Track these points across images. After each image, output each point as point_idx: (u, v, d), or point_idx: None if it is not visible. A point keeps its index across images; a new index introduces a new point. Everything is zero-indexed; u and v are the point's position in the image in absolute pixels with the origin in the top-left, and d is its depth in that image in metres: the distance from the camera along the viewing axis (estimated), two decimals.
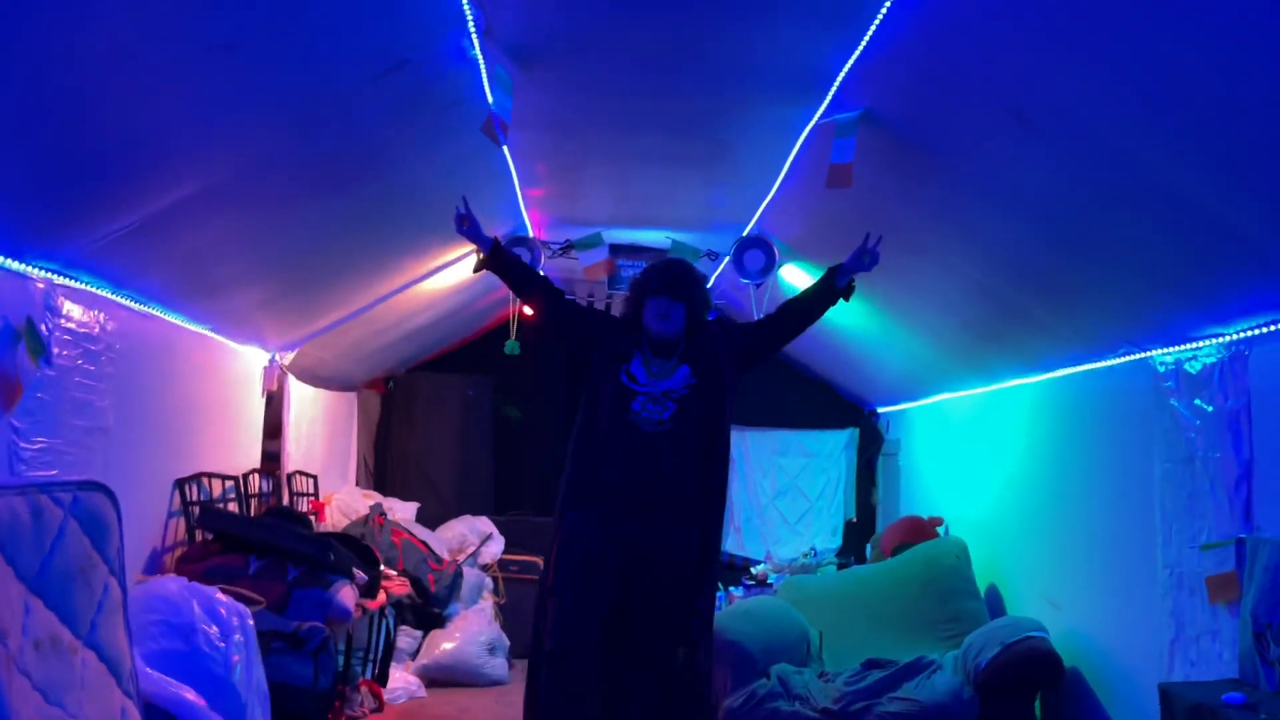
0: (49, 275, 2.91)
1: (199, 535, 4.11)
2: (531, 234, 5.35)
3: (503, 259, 3.74)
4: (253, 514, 4.66)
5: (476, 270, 3.81)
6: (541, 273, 4.14)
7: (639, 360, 3.54)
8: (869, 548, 6.19)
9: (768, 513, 7.21)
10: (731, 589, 6.13)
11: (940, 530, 5.41)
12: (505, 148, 3.77)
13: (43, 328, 2.88)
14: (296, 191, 3.45)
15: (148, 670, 2.87)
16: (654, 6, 2.78)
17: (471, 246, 3.93)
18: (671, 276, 3.62)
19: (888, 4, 2.52)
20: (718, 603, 5.37)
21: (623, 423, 3.46)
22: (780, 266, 5.24)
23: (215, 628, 3.15)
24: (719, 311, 7.01)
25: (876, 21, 2.62)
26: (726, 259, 5.40)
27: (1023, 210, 3.26)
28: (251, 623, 3.33)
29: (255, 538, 3.98)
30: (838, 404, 7.29)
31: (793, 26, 2.82)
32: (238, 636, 3.21)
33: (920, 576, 4.76)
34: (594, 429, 3.53)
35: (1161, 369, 3.33)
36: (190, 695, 2.92)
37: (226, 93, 2.59)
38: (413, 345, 6.95)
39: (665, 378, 3.52)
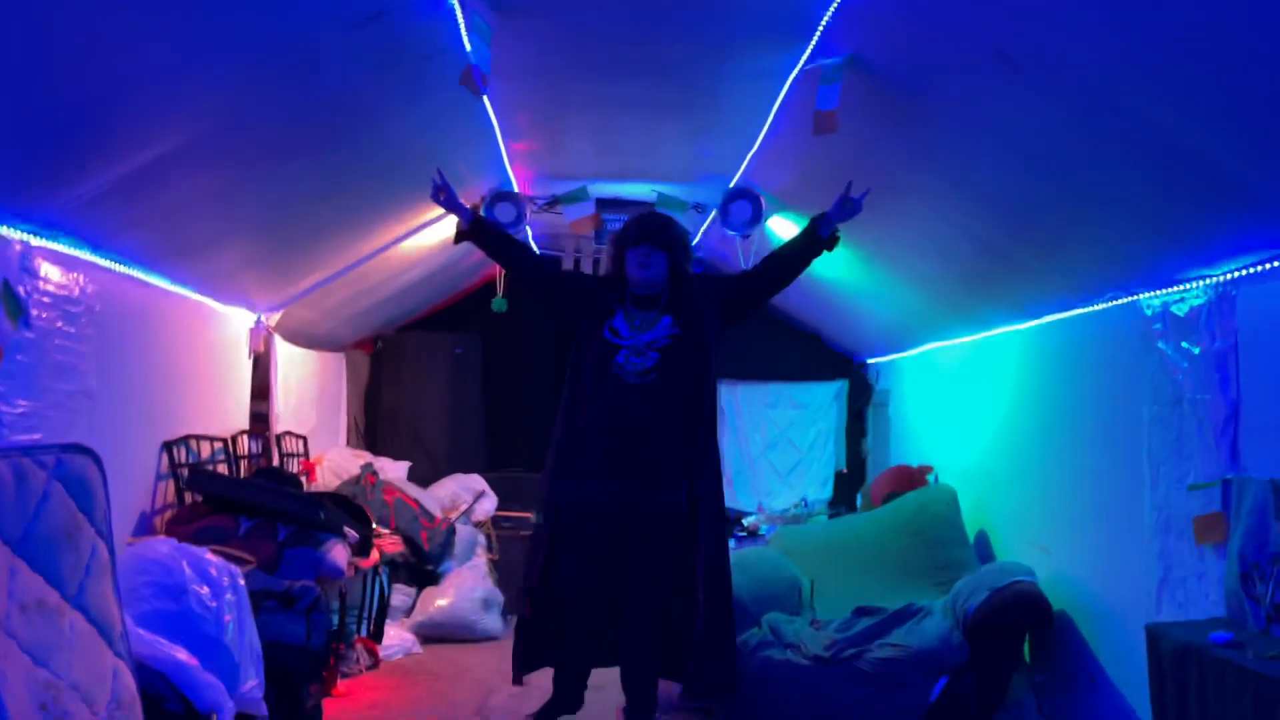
0: (25, 236, 2.87)
1: (188, 497, 4.11)
2: (516, 189, 5.29)
3: (484, 230, 3.72)
4: (242, 475, 4.65)
5: (457, 241, 3.80)
6: (521, 240, 4.12)
7: (621, 315, 3.55)
8: (859, 497, 6.23)
9: (759, 465, 7.24)
10: None
11: (930, 478, 5.44)
12: (486, 99, 3.71)
13: (20, 289, 2.84)
14: (275, 147, 3.39)
15: (139, 631, 2.87)
16: None
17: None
18: (649, 227, 3.63)
19: None
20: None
21: (607, 377, 3.48)
22: (768, 218, 5.20)
23: (206, 588, 3.15)
24: (705, 266, 6.99)
25: None
26: (714, 212, 5.35)
27: (1011, 154, 3.24)
28: (243, 582, 3.33)
29: (245, 498, 3.98)
30: (827, 356, 7.29)
31: None
32: (229, 596, 3.21)
33: (910, 524, 4.79)
34: (580, 386, 3.55)
35: (1149, 312, 3.32)
36: (183, 655, 2.92)
37: (199, 45, 2.54)
38: (400, 304, 6.91)
39: (648, 329, 3.52)
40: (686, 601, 3.64)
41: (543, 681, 3.76)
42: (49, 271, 3.01)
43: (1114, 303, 3.58)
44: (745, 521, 6.45)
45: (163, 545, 3.29)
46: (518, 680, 3.69)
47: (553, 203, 5.49)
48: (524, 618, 3.69)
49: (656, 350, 3.48)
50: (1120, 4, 2.24)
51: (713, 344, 3.59)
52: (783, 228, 5.33)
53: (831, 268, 5.47)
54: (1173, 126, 2.53)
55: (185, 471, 4.11)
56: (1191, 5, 2.09)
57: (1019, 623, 3.88)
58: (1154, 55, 2.35)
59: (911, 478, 5.43)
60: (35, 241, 2.92)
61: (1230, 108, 2.35)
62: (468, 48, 2.98)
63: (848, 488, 6.96)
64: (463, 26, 2.92)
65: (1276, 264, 2.71)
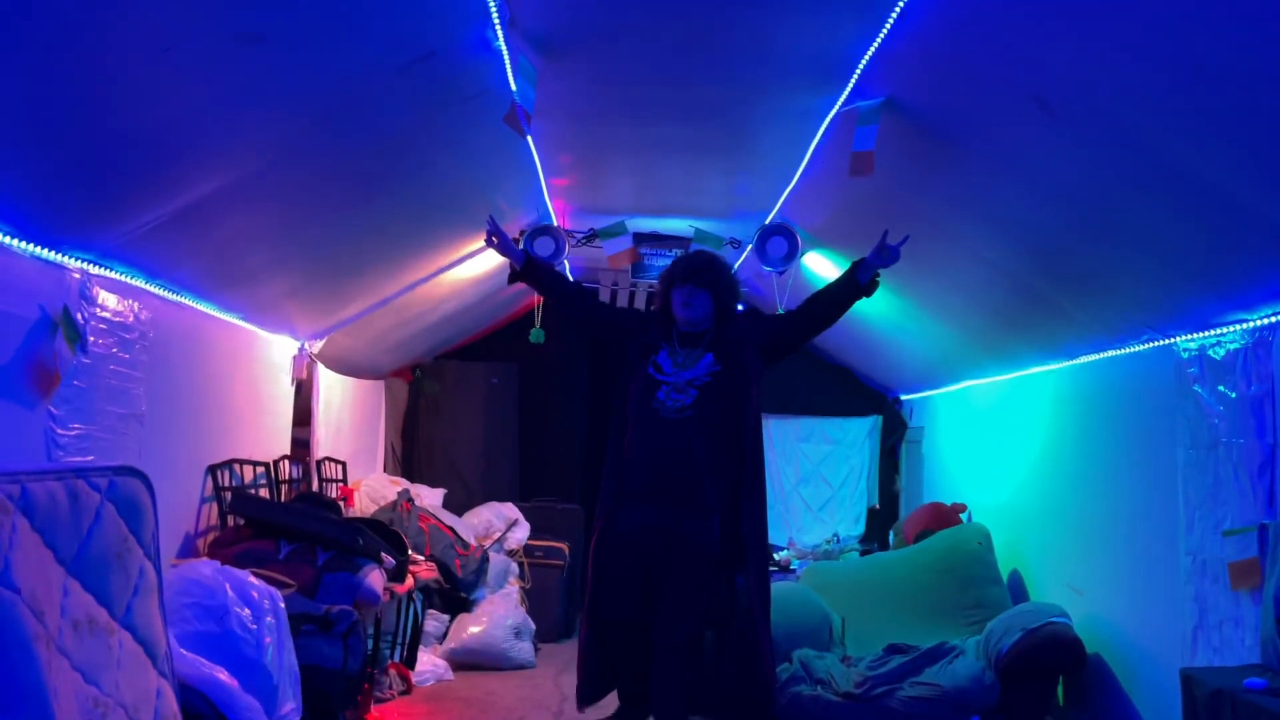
0: (84, 265, 2.98)
1: (231, 520, 4.19)
2: (556, 223, 5.38)
3: (535, 270, 3.88)
4: (283, 500, 4.74)
5: (511, 282, 3.95)
6: (571, 278, 4.25)
7: (665, 352, 3.65)
8: (891, 534, 6.21)
9: (791, 499, 7.23)
10: None
11: (963, 517, 5.42)
12: (529, 138, 3.80)
13: (79, 316, 2.95)
14: (324, 183, 3.50)
15: (182, 651, 2.94)
16: None
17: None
18: (694, 265, 3.73)
19: None
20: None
21: (648, 411, 3.58)
22: (803, 254, 5.24)
23: (247, 610, 3.22)
24: (746, 302, 7.04)
25: (898, 9, 2.63)
26: (750, 247, 5.41)
27: (1046, 196, 3.27)
28: (283, 605, 3.40)
29: (286, 523, 4.05)
30: (861, 391, 7.29)
31: (813, 14, 2.83)
32: (269, 619, 3.27)
33: (942, 563, 4.77)
34: (625, 420, 3.66)
35: (1185, 355, 3.32)
36: (223, 676, 2.98)
37: (257, 85, 2.64)
38: (439, 334, 7.01)
39: (690, 367, 3.61)
40: (719, 634, 3.67)
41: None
42: (106, 299, 3.11)
43: (1150, 345, 3.58)
44: (777, 556, 6.45)
45: (206, 567, 3.36)
46: (581, 708, 3.77)
47: (591, 236, 5.57)
48: (581, 645, 3.78)
49: (696, 387, 3.58)
50: (1153, 49, 2.28)
51: (753, 382, 3.66)
52: (819, 264, 5.37)
53: (866, 303, 5.49)
54: (1207, 172, 2.55)
55: (229, 495, 4.20)
56: (1224, 51, 2.12)
57: (1052, 664, 3.86)
58: (1187, 101, 2.38)
59: (945, 516, 5.42)
60: (94, 270, 3.03)
61: (1264, 153, 2.37)
62: (513, 88, 3.07)
63: (880, 524, 6.93)
64: (509, 67, 3.01)
65: None
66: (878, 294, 3.91)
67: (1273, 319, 2.89)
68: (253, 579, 3.36)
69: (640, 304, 6.48)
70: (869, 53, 2.94)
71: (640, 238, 5.61)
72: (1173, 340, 3.41)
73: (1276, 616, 2.71)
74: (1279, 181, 2.42)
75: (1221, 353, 3.12)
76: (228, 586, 3.23)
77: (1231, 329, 3.07)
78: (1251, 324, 2.98)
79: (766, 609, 3.66)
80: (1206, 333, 3.20)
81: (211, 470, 4.14)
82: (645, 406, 3.61)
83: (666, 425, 3.56)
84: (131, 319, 3.28)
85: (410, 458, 7.31)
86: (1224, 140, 2.42)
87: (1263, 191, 2.48)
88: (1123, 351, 3.82)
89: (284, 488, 4.87)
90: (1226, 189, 2.56)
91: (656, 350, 3.69)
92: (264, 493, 4.59)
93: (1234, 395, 3.05)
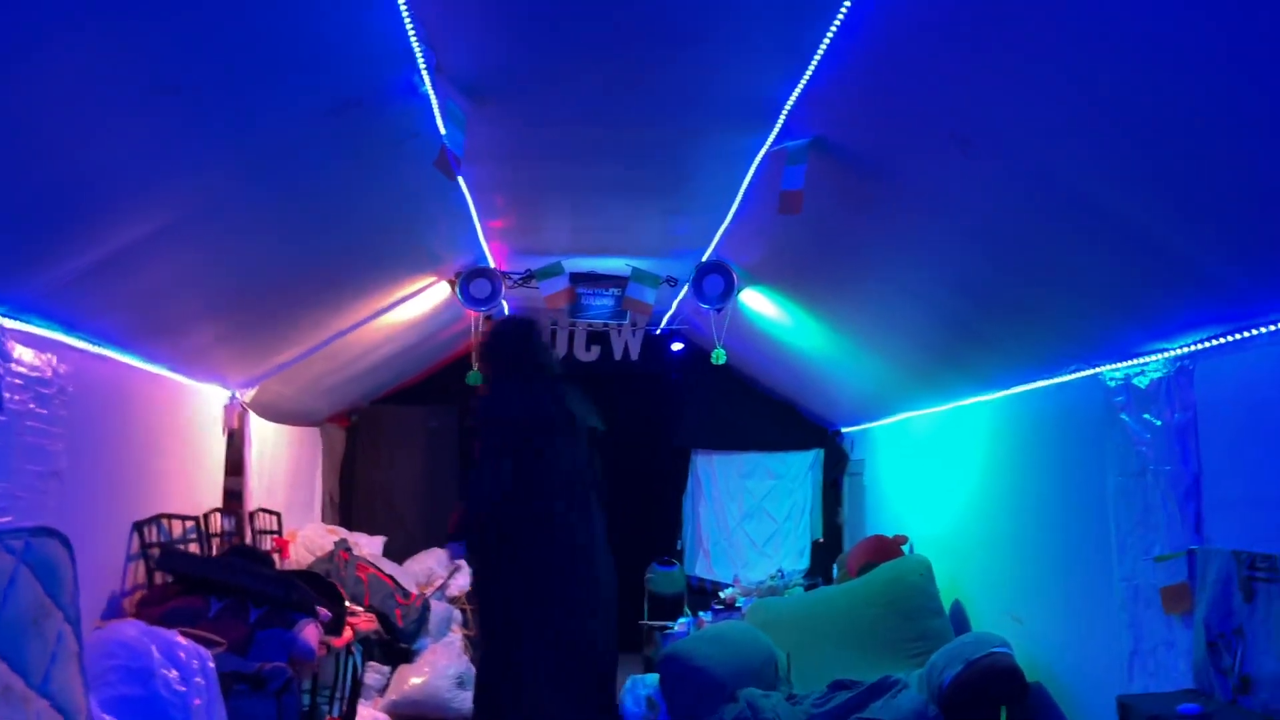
0: None
1: (159, 578, 4.06)
2: (493, 264, 5.36)
3: None
4: (214, 554, 4.61)
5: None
6: None
7: None
8: (836, 568, 6.22)
9: (735, 536, 7.23)
10: (701, 614, 6.14)
11: (905, 549, 5.45)
12: (462, 180, 3.79)
13: None
14: (252, 229, 3.44)
15: (105, 717, 2.83)
16: (605, 41, 2.81)
17: (429, 279, 4.02)
18: None
19: (830, 34, 2.57)
20: (685, 626, 5.41)
21: None
22: (740, 291, 5.28)
23: (175, 672, 3.11)
24: (684, 338, 7.06)
25: (820, 51, 2.67)
26: (687, 285, 5.43)
27: (972, 232, 3.32)
28: (213, 665, 3.29)
29: (215, 578, 3.94)
30: (802, 425, 7.33)
31: (741, 56, 2.87)
32: (198, 680, 3.17)
33: (885, 596, 4.79)
34: None
35: (1112, 384, 3.39)
36: None
37: (178, 133, 2.59)
38: (376, 378, 6.93)
39: None
40: None
41: None
42: (22, 354, 3.01)
43: (1077, 375, 3.65)
44: (723, 594, 6.43)
45: (131, 628, 3.25)
46: None
47: (528, 277, 5.56)
48: None
49: None
50: (1069, 90, 2.34)
51: None
52: (756, 301, 5.41)
53: (805, 338, 5.56)
54: (1125, 207, 2.61)
55: (156, 551, 4.07)
56: (1139, 92, 2.18)
57: (994, 695, 3.87)
58: (1104, 139, 2.44)
59: (887, 548, 5.44)
60: (8, 324, 2.93)
61: (1178, 190, 2.43)
62: (442, 131, 3.05)
63: (825, 558, 6.95)
64: (437, 112, 3.00)
65: (1230, 339, 2.78)
66: (816, 329, 3.95)
67: (1192, 347, 2.96)
68: (180, 639, 3.26)
69: (580, 343, 6.47)
70: (795, 93, 2.98)
71: (577, 278, 5.61)
72: (1099, 370, 3.48)
73: (1207, 641, 2.75)
74: (1195, 219, 2.49)
75: (1146, 381, 3.18)
76: (154, 648, 3.12)
77: (1154, 358, 3.14)
78: (1172, 353, 3.05)
79: None
80: (1131, 362, 3.27)
81: (138, 526, 4.02)
82: None
83: None
84: (50, 373, 3.17)
85: (349, 505, 7.19)
86: (1143, 180, 2.48)
87: (1180, 228, 2.55)
88: (1052, 381, 3.88)
89: (215, 542, 4.74)
90: (1143, 224, 2.62)
91: None
92: (194, 548, 4.46)
93: (1159, 423, 3.11)
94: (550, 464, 4.33)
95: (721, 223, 4.49)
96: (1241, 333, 2.74)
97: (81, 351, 3.39)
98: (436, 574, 6.20)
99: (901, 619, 4.66)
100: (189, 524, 4.48)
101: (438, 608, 5.90)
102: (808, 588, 6.37)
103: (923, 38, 2.49)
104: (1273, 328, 2.62)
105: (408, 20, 2.53)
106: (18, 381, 2.99)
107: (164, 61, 2.28)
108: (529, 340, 4.56)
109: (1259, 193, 2.23)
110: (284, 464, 5.99)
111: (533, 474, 4.32)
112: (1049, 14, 2.14)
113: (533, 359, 4.50)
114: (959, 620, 4.81)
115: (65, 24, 2.00)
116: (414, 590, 5.95)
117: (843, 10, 2.45)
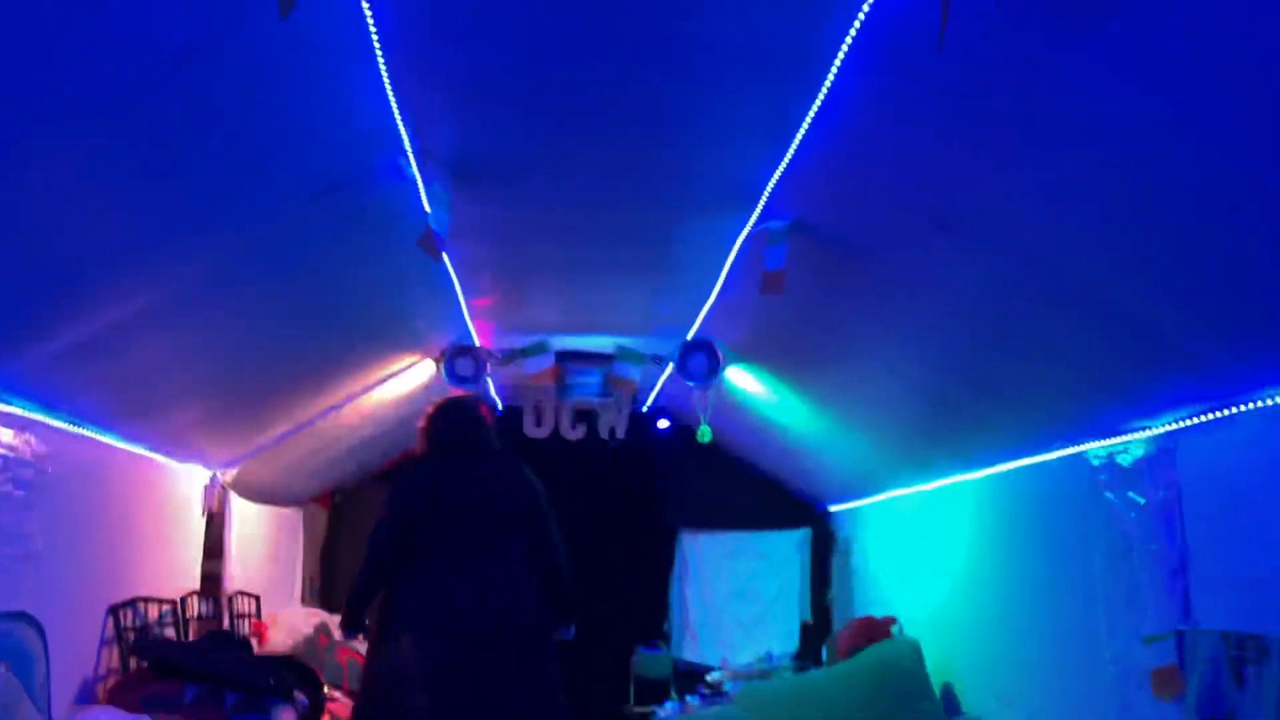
0: None
1: (134, 663, 3.97)
2: (478, 343, 5.36)
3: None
4: (191, 638, 4.51)
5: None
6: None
7: None
8: (825, 650, 6.13)
9: (723, 617, 7.12)
10: (688, 698, 6.02)
11: (894, 630, 5.38)
12: (447, 258, 3.81)
13: None
14: (235, 309, 3.45)
15: None
16: (590, 128, 2.86)
17: (414, 358, 3.97)
18: None
19: (808, 120, 2.62)
20: (671, 712, 5.29)
21: None
22: (726, 368, 5.29)
23: None
24: (669, 415, 7.04)
25: (799, 136, 2.72)
26: (672, 364, 5.44)
27: (954, 312, 3.35)
28: None
29: (191, 664, 3.85)
30: (789, 503, 7.26)
31: (722, 142, 2.92)
32: None
33: (875, 680, 4.71)
34: None
35: (1096, 462, 3.39)
36: None
37: (161, 216, 2.61)
38: (359, 458, 6.87)
39: None
40: None
41: None
42: (1, 434, 2.99)
43: (1061, 453, 3.65)
44: (709, 678, 6.30)
45: (104, 715, 3.17)
46: None
47: (513, 356, 5.56)
48: None
49: None
50: (1049, 172, 2.38)
51: None
52: (741, 379, 5.42)
53: (791, 417, 5.56)
54: (1106, 286, 2.64)
55: (131, 636, 3.99)
56: (1119, 173, 2.22)
57: None
58: (1087, 223, 2.48)
59: (876, 630, 5.36)
60: None
61: (1162, 273, 2.46)
62: (428, 210, 3.08)
63: (814, 639, 6.85)
64: (423, 193, 3.03)
65: (1212, 417, 2.79)
66: (802, 407, 3.95)
67: (1175, 425, 2.97)
68: None
69: (565, 421, 6.44)
70: (775, 176, 3.03)
71: (563, 356, 5.62)
72: (1083, 448, 3.48)
73: None
74: (1178, 298, 2.52)
75: (1129, 460, 3.19)
76: None
77: (1137, 436, 3.15)
78: (1155, 431, 3.05)
79: None
80: (1114, 440, 3.27)
81: (113, 610, 3.94)
82: None
83: None
84: (28, 454, 3.14)
85: (330, 588, 7.06)
86: (1125, 259, 2.51)
87: (1162, 307, 2.58)
88: (1036, 459, 3.88)
89: (192, 625, 4.65)
90: (1124, 303, 2.65)
91: None
92: (170, 632, 4.38)
93: (1143, 501, 3.10)
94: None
95: (705, 301, 4.52)
96: (1224, 410, 2.75)
97: (60, 431, 3.37)
98: None
99: (892, 703, 4.58)
100: (165, 607, 4.40)
101: None
102: (797, 670, 6.26)
103: (902, 120, 2.54)
104: (1255, 405, 2.63)
105: (394, 103, 2.57)
106: None
107: (149, 146, 2.30)
108: (460, 416, 4.19)
109: (1241, 272, 2.26)
110: (265, 545, 5.91)
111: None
112: (1029, 96, 2.18)
113: (461, 436, 4.11)
114: (950, 703, 4.73)
115: (54, 108, 2.02)
116: None
117: (822, 92, 2.50)
